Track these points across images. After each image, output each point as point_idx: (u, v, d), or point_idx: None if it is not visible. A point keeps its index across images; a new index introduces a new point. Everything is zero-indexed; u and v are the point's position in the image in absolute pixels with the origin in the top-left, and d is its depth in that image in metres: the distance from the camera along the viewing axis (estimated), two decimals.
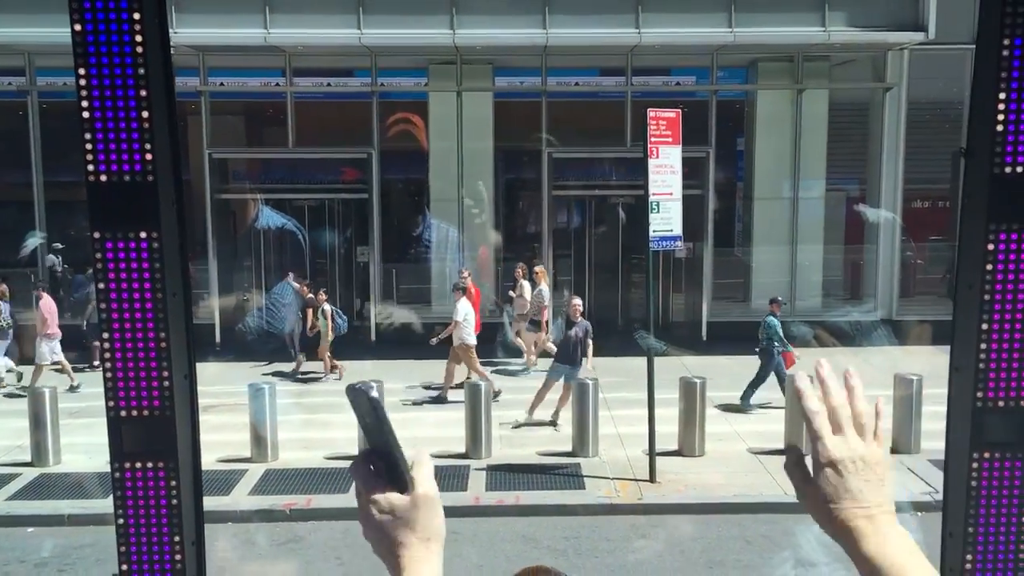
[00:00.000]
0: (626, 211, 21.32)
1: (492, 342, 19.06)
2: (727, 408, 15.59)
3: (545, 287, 18.70)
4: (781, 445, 13.57)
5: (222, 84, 21.23)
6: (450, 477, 12.61)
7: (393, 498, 1.42)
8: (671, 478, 12.72)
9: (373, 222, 21.04)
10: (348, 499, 11.81)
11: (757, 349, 15.79)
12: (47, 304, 17.02)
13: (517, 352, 19.11)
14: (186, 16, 17.87)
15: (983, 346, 1.81)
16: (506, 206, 22.58)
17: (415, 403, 16.31)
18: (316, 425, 14.75)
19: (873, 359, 18.21)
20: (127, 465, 1.79)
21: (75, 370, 17.51)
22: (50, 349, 16.87)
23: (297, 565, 10.72)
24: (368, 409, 1.40)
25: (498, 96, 21.38)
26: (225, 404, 14.52)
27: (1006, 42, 1.72)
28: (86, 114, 1.70)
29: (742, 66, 21.86)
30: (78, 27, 1.68)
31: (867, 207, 21.03)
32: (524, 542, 11.05)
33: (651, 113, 12.43)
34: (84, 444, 13.38)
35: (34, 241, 20.34)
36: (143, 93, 1.70)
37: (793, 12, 19.06)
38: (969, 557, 1.87)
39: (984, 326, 1.81)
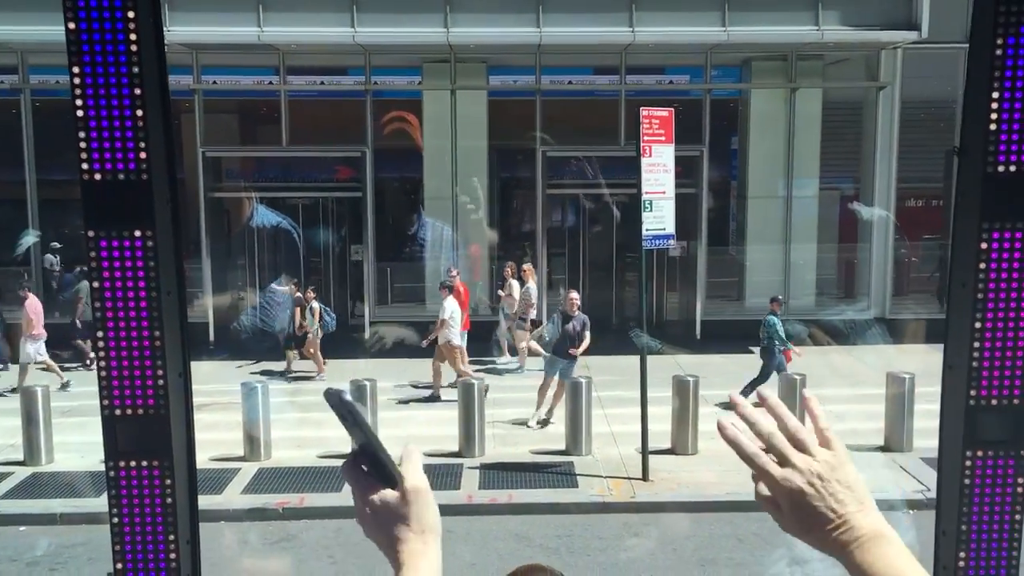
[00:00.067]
0: (621, 209, 21.33)
1: (484, 340, 19.07)
2: (728, 407, 15.58)
3: (532, 285, 18.72)
4: None
5: (215, 82, 21.21)
6: (443, 476, 12.61)
7: (385, 495, 1.43)
8: (664, 476, 12.73)
9: (367, 221, 21.03)
10: (341, 498, 11.83)
11: (759, 348, 15.79)
12: (32, 304, 16.94)
13: (511, 350, 19.12)
14: (179, 14, 17.83)
15: (976, 344, 1.81)
16: (500, 205, 22.59)
17: (401, 402, 16.29)
18: (309, 424, 14.74)
19: (866, 357, 18.26)
20: (121, 464, 1.78)
21: (65, 369, 17.48)
22: (35, 349, 16.79)
23: (290, 563, 10.72)
24: (345, 411, 1.42)
25: (492, 95, 21.38)
26: (218, 403, 14.51)
27: (999, 41, 1.72)
28: (80, 112, 1.70)
29: (736, 65, 21.88)
30: (72, 25, 1.67)
31: (861, 205, 21.07)
32: (517, 540, 11.05)
33: (644, 112, 12.43)
34: (76, 443, 13.35)
35: (29, 240, 20.30)
36: (137, 91, 1.70)
37: (786, 11, 19.07)
38: (962, 555, 1.87)
39: (977, 324, 1.81)
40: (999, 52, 1.73)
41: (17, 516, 11.76)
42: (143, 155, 1.71)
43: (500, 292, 19.49)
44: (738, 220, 22.25)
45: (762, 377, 15.44)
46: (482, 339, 19.01)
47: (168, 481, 1.79)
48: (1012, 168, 1.76)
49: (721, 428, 1.45)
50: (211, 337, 20.23)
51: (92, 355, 18.47)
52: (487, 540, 11.00)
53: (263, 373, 17.97)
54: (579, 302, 15.23)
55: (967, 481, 1.85)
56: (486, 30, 19.07)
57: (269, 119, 21.59)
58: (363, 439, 1.43)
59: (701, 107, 21.12)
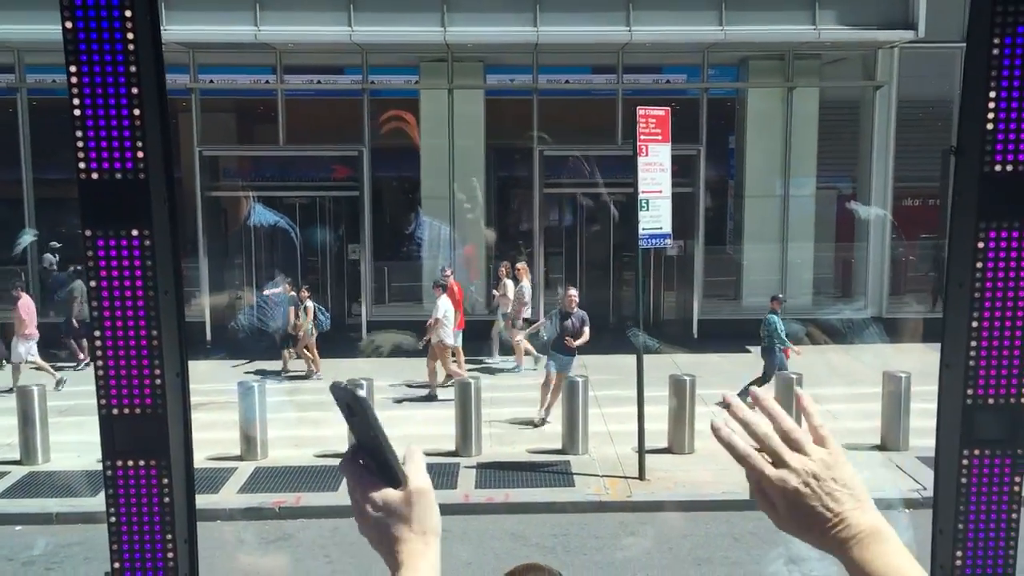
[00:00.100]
0: (618, 209, 21.34)
1: (479, 340, 19.06)
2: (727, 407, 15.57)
3: (526, 284, 18.73)
4: None
5: (211, 81, 21.20)
6: (440, 475, 12.60)
7: (387, 494, 1.41)
8: (660, 475, 12.74)
9: (364, 220, 21.02)
10: (337, 497, 11.84)
11: (760, 347, 15.78)
12: (25, 304, 16.89)
13: (504, 350, 19.13)
14: (176, 13, 17.82)
15: (973, 343, 1.82)
16: (497, 204, 22.59)
17: (397, 401, 16.28)
18: (306, 423, 14.76)
19: (863, 356, 18.28)
20: (119, 463, 1.78)
21: (61, 368, 17.46)
22: (26, 350, 16.74)
23: (286, 563, 10.71)
24: (357, 407, 1.40)
25: (489, 94, 21.38)
26: (215, 402, 14.50)
27: (996, 41, 1.73)
28: (77, 111, 1.70)
29: (733, 64, 21.89)
30: (69, 24, 1.67)
31: (859, 204, 21.10)
32: (513, 540, 11.06)
33: (640, 111, 12.43)
34: (73, 443, 13.34)
35: (27, 239, 20.28)
36: (135, 91, 1.69)
37: (784, 10, 19.08)
38: (959, 554, 1.87)
39: (974, 323, 1.81)
40: (996, 52, 1.73)
41: (13, 515, 11.76)
42: (140, 154, 1.71)
43: (495, 292, 19.48)
44: (735, 219, 22.26)
45: (765, 377, 15.40)
46: (477, 338, 19.00)
47: (166, 480, 1.79)
48: (1009, 168, 1.77)
49: (715, 429, 1.45)
50: (208, 336, 20.23)
51: (83, 355, 18.51)
52: (483, 539, 11.00)
53: (259, 372, 17.96)
54: (578, 299, 15.25)
55: (964, 480, 1.85)
56: (483, 29, 19.07)
57: (266, 118, 21.58)
58: (368, 435, 1.41)
59: (698, 106, 21.13)
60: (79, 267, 19.23)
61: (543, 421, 14.87)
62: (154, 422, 1.77)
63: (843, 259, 22.21)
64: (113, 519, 1.80)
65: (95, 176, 1.71)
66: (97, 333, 1.75)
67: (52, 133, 20.00)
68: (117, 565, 1.81)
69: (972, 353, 1.82)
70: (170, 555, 1.81)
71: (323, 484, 12.45)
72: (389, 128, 21.11)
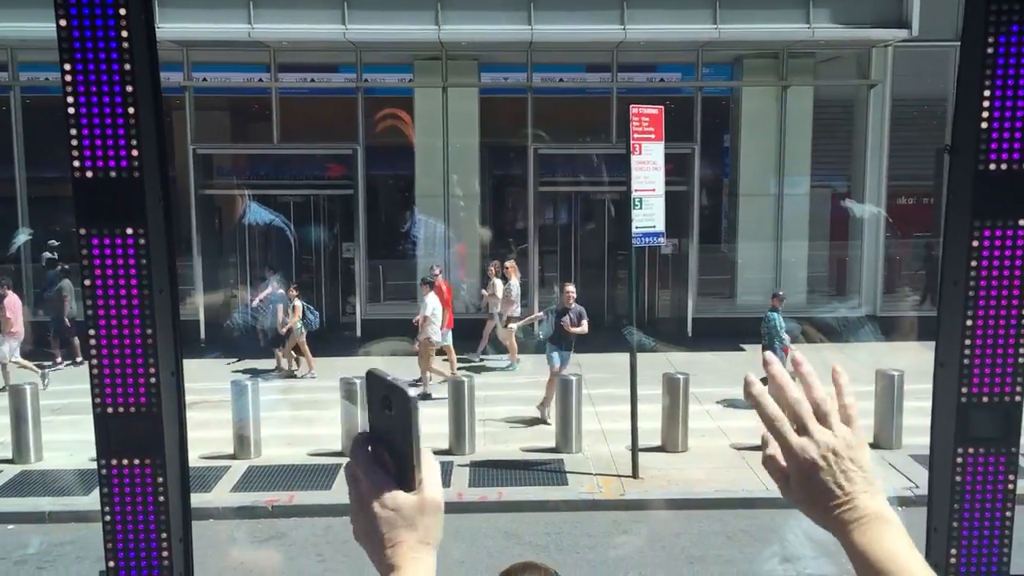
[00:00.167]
0: (614, 207, 21.34)
1: (472, 339, 19.05)
2: (730, 404, 15.58)
3: (515, 282, 18.72)
4: None
5: (205, 79, 21.16)
6: None
7: (400, 497, 1.36)
8: (654, 474, 12.74)
9: (359, 218, 21.00)
10: (330, 495, 11.84)
11: (760, 345, 15.75)
12: (11, 302, 16.84)
13: (490, 349, 19.14)
14: (170, 11, 17.79)
15: (967, 342, 1.82)
16: (492, 202, 22.57)
17: None
18: (300, 422, 14.76)
19: (857, 355, 18.29)
20: (114, 462, 1.78)
21: (54, 368, 17.42)
22: (9, 348, 16.70)
23: (278, 561, 10.70)
24: (399, 403, 1.34)
25: (484, 92, 21.38)
26: (209, 401, 14.48)
27: (990, 40, 1.73)
28: (71, 110, 1.69)
29: (727, 62, 21.90)
30: (63, 22, 1.67)
31: (853, 202, 21.13)
32: (506, 538, 11.05)
33: (633, 109, 12.42)
34: (65, 441, 13.32)
35: (22, 238, 20.24)
36: (129, 89, 1.69)
37: (778, 9, 19.10)
38: (954, 552, 1.88)
39: (968, 322, 1.82)
40: (990, 51, 1.74)
41: (5, 514, 11.72)
42: (135, 152, 1.71)
43: (484, 291, 19.46)
44: (730, 218, 22.27)
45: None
46: (468, 337, 18.97)
47: (160, 479, 1.79)
48: (1003, 166, 1.77)
49: (748, 384, 1.43)
50: (202, 335, 20.20)
51: (59, 358, 18.49)
52: (477, 538, 11.00)
53: (248, 372, 17.91)
54: (575, 295, 15.28)
55: (958, 478, 1.85)
56: (478, 27, 19.06)
57: (260, 116, 21.55)
58: (400, 433, 1.36)
59: (692, 104, 21.13)
60: (67, 266, 19.23)
61: (543, 413, 14.87)
62: (149, 421, 1.77)
63: (837, 257, 22.24)
64: (108, 518, 1.79)
65: (89, 174, 1.71)
66: (92, 332, 1.74)
67: (46, 131, 19.95)
68: (112, 564, 1.81)
69: (966, 351, 1.82)
70: (165, 554, 1.81)
71: (316, 483, 12.44)
72: (385, 126, 21.10)
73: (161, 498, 1.79)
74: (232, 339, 19.61)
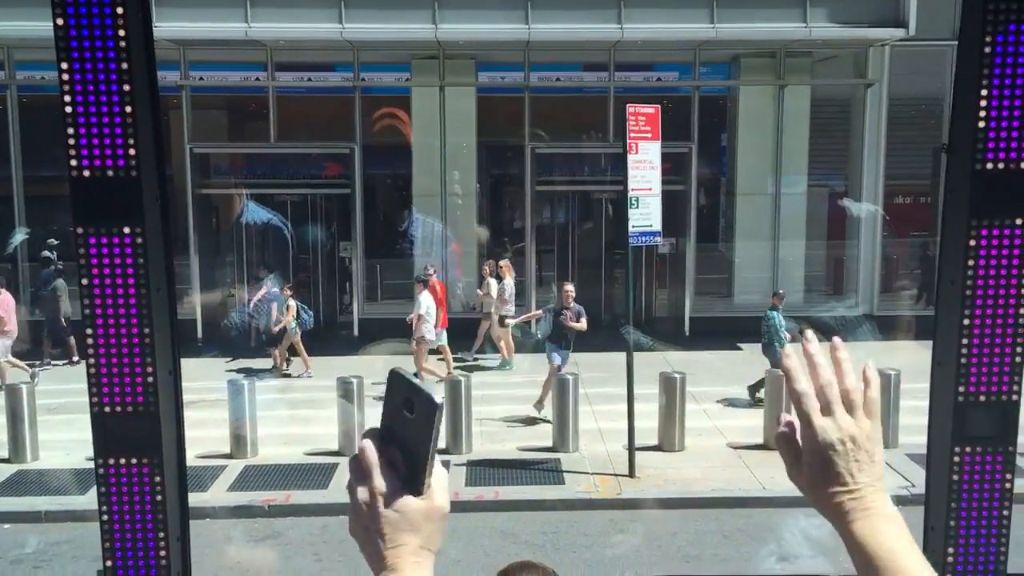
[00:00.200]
0: (612, 206, 21.35)
1: (464, 338, 19.02)
2: (731, 404, 15.59)
3: (509, 281, 18.72)
4: (760, 440, 13.63)
5: (201, 78, 21.13)
6: None
7: (408, 500, 1.35)
8: (650, 473, 12.74)
9: (356, 217, 20.99)
10: (327, 495, 11.83)
11: (760, 344, 15.75)
12: (4, 300, 16.82)
13: (486, 348, 19.15)
14: (166, 10, 17.77)
15: (965, 341, 1.82)
16: (490, 201, 22.57)
17: (377, 398, 16.25)
18: (297, 421, 14.75)
19: (854, 354, 18.24)
20: (111, 461, 1.78)
21: (43, 367, 17.40)
22: (3, 347, 16.68)
23: (275, 561, 10.69)
24: (422, 408, 1.32)
25: (481, 91, 21.38)
26: (205, 400, 14.47)
27: (988, 39, 1.73)
28: (69, 108, 1.69)
29: (724, 62, 21.91)
30: (60, 21, 1.67)
31: (851, 201, 21.14)
32: (503, 537, 11.05)
33: (630, 108, 12.41)
34: (62, 441, 13.30)
35: (19, 237, 20.22)
36: (126, 88, 1.69)
37: (775, 8, 19.12)
38: (951, 551, 1.88)
39: (966, 321, 1.82)
40: (987, 50, 1.74)
41: (2, 514, 11.69)
42: (132, 151, 1.70)
43: (479, 291, 19.45)
44: (727, 217, 22.28)
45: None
46: (464, 337, 18.95)
47: (158, 478, 1.79)
48: (1000, 165, 1.77)
49: (786, 355, 1.44)
50: (199, 334, 20.19)
51: (48, 358, 18.47)
52: (473, 537, 10.99)
53: (242, 371, 17.89)
54: (574, 294, 15.30)
55: (955, 477, 1.86)
56: (475, 26, 19.06)
57: (257, 115, 21.54)
58: (418, 438, 1.34)
59: (690, 104, 21.13)
60: (60, 265, 19.23)
61: (536, 420, 14.87)
62: (146, 420, 1.76)
63: (834, 257, 22.25)
64: (105, 517, 1.79)
65: (87, 173, 1.71)
66: (89, 331, 1.74)
67: (43, 130, 19.92)
68: (109, 563, 1.81)
69: (964, 351, 1.83)
70: (162, 553, 1.81)
71: (312, 482, 12.44)
72: (383, 125, 21.09)
73: (159, 497, 1.79)
74: (229, 338, 19.60)
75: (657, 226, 12.79)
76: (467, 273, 21.31)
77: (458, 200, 21.01)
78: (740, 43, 20.22)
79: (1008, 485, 1.87)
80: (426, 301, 16.49)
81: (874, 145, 21.03)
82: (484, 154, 21.68)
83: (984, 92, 1.75)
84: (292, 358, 18.13)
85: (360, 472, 1.37)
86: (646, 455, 13.10)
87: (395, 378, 1.36)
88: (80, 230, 1.72)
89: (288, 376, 17.90)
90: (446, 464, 12.84)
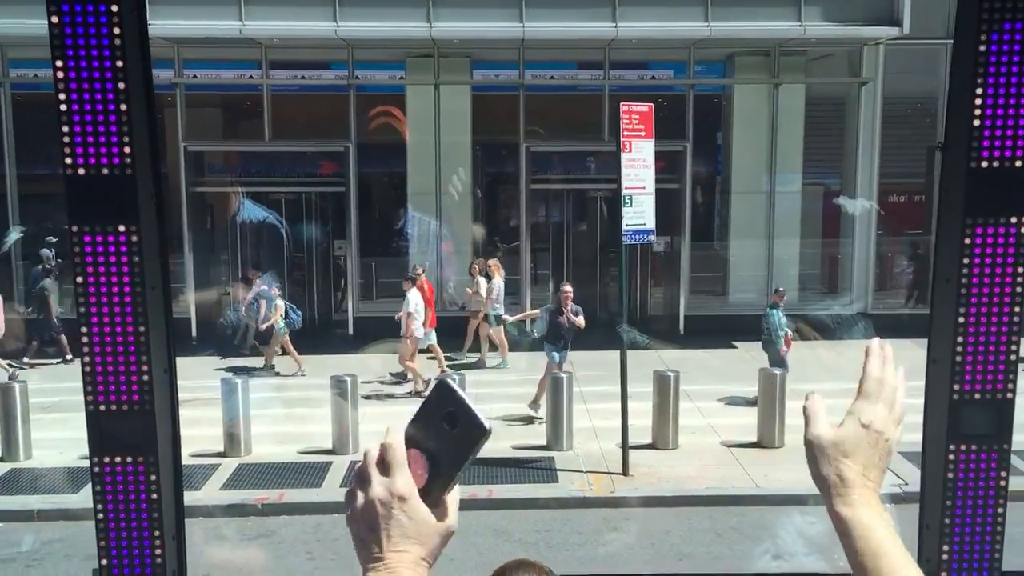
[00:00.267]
0: (606, 205, 21.35)
1: (455, 336, 18.99)
2: (732, 403, 15.59)
3: (498, 280, 18.70)
4: (754, 438, 13.64)
5: (195, 77, 21.09)
6: None
7: (424, 511, 1.34)
8: (644, 471, 12.75)
9: (350, 216, 20.97)
10: (320, 493, 11.84)
11: (761, 342, 15.74)
12: None
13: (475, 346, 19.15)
14: (160, 8, 17.71)
15: (960, 339, 1.82)
16: (485, 200, 22.56)
17: (382, 397, 16.28)
18: (292, 420, 14.74)
19: (849, 352, 18.28)
20: (106, 459, 1.77)
21: (21, 367, 17.40)
22: None
23: (268, 559, 10.68)
24: (467, 425, 1.31)
25: (476, 89, 21.36)
26: (199, 398, 14.45)
27: (983, 37, 1.73)
28: (63, 107, 1.69)
29: (719, 60, 21.91)
30: (55, 19, 1.66)
31: (846, 199, 21.17)
32: (496, 535, 11.05)
33: (623, 107, 12.41)
34: (55, 439, 13.28)
35: (13, 236, 20.18)
36: (121, 85, 1.68)
37: (769, 7, 19.13)
38: (946, 548, 1.88)
39: (961, 319, 1.82)
40: (983, 48, 1.74)
41: None
42: (127, 150, 1.70)
43: (468, 290, 19.43)
44: (722, 215, 22.30)
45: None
46: (455, 335, 18.93)
47: (153, 477, 1.78)
48: (995, 163, 1.77)
49: (873, 347, 1.52)
50: (193, 332, 20.16)
51: (27, 357, 18.44)
52: (466, 535, 10.98)
53: (239, 369, 17.86)
54: (572, 295, 15.30)
55: (951, 475, 1.86)
56: (469, 25, 19.05)
57: (252, 114, 21.52)
58: (455, 453, 1.32)
59: (684, 102, 21.14)
60: (48, 265, 19.21)
61: (532, 419, 14.87)
62: (142, 418, 1.76)
63: (829, 255, 22.28)
64: (100, 515, 1.79)
65: (81, 171, 1.70)
66: (84, 329, 1.74)
67: (36, 128, 19.88)
68: (105, 562, 1.81)
69: (959, 348, 1.83)
70: (158, 552, 1.81)
71: (306, 481, 12.43)
72: (379, 123, 21.08)
73: (154, 496, 1.78)
74: (224, 337, 19.57)
75: (651, 225, 12.80)
76: (460, 272, 21.30)
77: (456, 197, 20.99)
78: (735, 42, 20.23)
79: (1003, 483, 1.88)
80: (414, 299, 16.50)
81: (868, 143, 21.05)
82: (479, 152, 21.67)
83: (979, 90, 1.76)
84: (281, 356, 18.09)
85: (383, 466, 1.35)
86: (640, 453, 13.11)
87: (444, 389, 1.35)
88: (75, 228, 1.72)
89: (277, 375, 17.88)
90: None
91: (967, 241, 1.79)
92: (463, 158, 21.12)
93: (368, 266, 21.62)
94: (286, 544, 10.94)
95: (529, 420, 14.84)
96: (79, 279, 1.73)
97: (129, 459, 1.77)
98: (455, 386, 1.34)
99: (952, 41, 1.85)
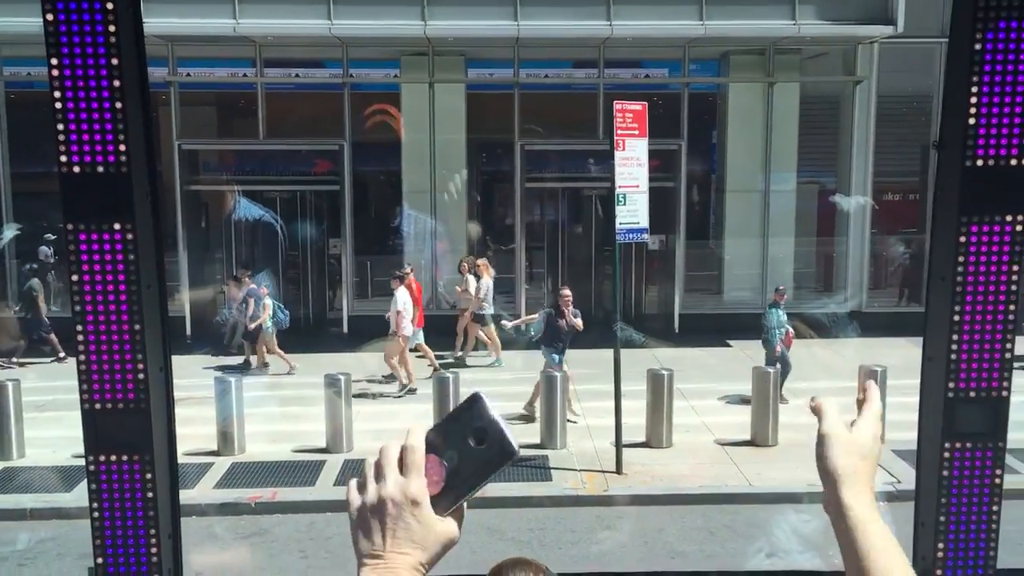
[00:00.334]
0: (601, 203, 21.35)
1: (446, 335, 18.97)
2: (733, 402, 15.59)
3: (487, 279, 18.69)
4: (747, 436, 13.65)
5: (189, 75, 21.06)
6: None
7: (434, 519, 1.34)
8: (638, 469, 12.75)
9: (345, 214, 20.96)
10: (314, 492, 11.83)
11: (761, 340, 15.76)
12: None
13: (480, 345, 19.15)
14: (155, 5, 17.69)
15: (955, 337, 1.83)
16: (480, 198, 22.56)
17: (375, 396, 16.28)
18: (287, 418, 14.72)
19: (844, 351, 18.34)
20: (102, 458, 1.77)
21: (36, 363, 17.40)
22: None
23: (261, 558, 10.67)
24: (495, 444, 1.32)
25: (470, 88, 21.35)
26: (193, 397, 14.43)
27: (978, 36, 1.73)
28: (58, 104, 1.68)
29: (714, 59, 21.92)
30: (50, 16, 1.65)
31: (842, 196, 21.20)
32: (489, 534, 11.04)
33: (617, 105, 12.40)
34: (48, 438, 13.25)
35: (9, 233, 20.14)
36: (116, 83, 1.68)
37: (764, 5, 19.14)
38: (941, 546, 1.89)
39: (956, 317, 1.82)
40: (978, 47, 1.74)
41: None
42: (123, 147, 1.69)
43: (457, 288, 19.42)
44: (717, 214, 22.31)
45: (785, 368, 15.20)
46: (446, 334, 18.92)
47: (149, 475, 1.78)
48: (991, 162, 1.78)
49: (870, 386, 1.64)
50: (188, 331, 20.13)
51: (14, 360, 18.42)
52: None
53: (229, 368, 17.83)
54: (571, 298, 15.26)
55: (946, 473, 1.86)
56: (464, 23, 19.03)
57: (246, 112, 21.48)
58: (475, 468, 1.33)
59: (679, 101, 21.15)
60: (35, 264, 19.21)
61: (530, 417, 14.87)
62: (137, 417, 1.76)
63: (824, 254, 22.31)
64: (96, 514, 1.78)
65: (77, 169, 1.70)
66: (79, 327, 1.73)
67: (30, 126, 19.84)
68: (100, 560, 1.80)
69: (954, 347, 1.83)
70: (154, 550, 1.80)
71: (300, 479, 12.42)
72: (374, 122, 21.06)
73: (150, 494, 1.78)
74: (219, 335, 19.55)
75: (644, 223, 12.79)
76: (452, 270, 21.30)
77: (454, 195, 20.98)
78: (729, 40, 20.25)
79: (998, 481, 1.88)
80: (403, 297, 16.50)
81: (863, 142, 21.08)
82: (474, 151, 21.67)
83: (974, 89, 1.76)
84: (269, 355, 18.07)
85: (401, 467, 1.35)
86: (634, 452, 13.11)
87: (477, 404, 1.36)
88: (70, 226, 1.72)
89: (261, 365, 17.87)
90: None
91: (962, 239, 1.80)
92: (458, 156, 21.12)
93: (363, 264, 21.61)
94: (279, 543, 10.92)
95: (529, 419, 14.83)
96: (74, 277, 1.73)
97: (125, 457, 1.77)
98: (488, 403, 1.35)
99: (947, 39, 1.85)
